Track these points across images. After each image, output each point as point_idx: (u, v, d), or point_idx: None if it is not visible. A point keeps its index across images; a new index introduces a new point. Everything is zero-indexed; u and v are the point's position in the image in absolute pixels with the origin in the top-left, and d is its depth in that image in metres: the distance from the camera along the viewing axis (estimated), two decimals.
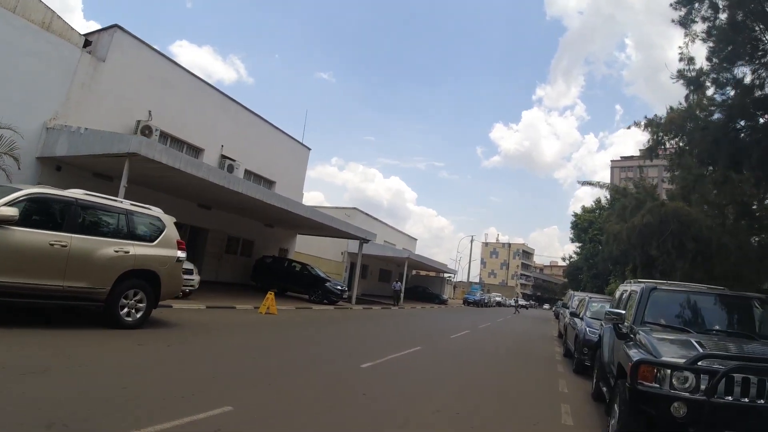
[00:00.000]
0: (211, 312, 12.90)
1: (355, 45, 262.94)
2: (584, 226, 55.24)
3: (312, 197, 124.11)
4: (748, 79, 12.37)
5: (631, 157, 67.73)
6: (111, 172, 14.96)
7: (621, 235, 20.74)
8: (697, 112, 14.80)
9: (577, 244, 58.13)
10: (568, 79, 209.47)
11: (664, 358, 4.43)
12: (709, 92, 14.79)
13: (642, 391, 4.32)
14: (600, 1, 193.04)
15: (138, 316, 8.52)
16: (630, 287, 7.27)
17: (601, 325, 8.57)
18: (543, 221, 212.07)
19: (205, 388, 5.49)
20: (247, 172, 23.52)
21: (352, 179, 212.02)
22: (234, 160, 21.55)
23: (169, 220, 9.27)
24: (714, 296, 6.33)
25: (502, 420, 6.10)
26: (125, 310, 8.32)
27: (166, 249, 8.95)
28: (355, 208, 38.31)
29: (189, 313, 11.81)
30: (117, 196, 9.56)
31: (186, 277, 13.24)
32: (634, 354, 4.84)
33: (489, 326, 23.73)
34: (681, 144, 16.87)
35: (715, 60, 12.81)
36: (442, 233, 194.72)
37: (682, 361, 4.26)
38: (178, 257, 9.12)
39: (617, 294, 8.33)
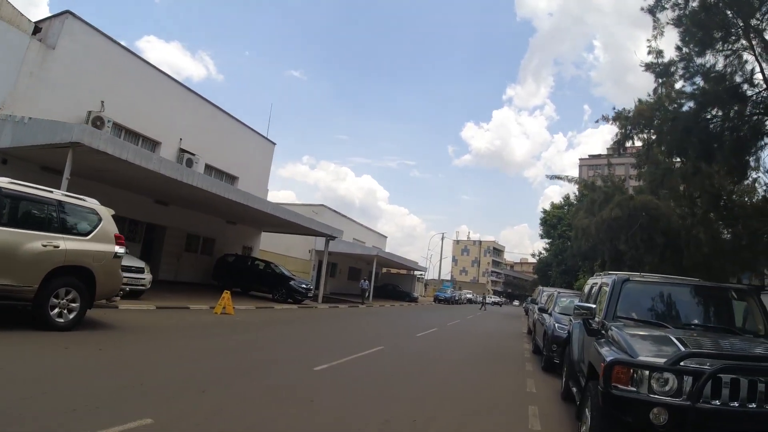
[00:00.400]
0: (161, 313, 12.07)
1: (326, 43, 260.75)
2: (553, 222, 55.46)
3: (283, 196, 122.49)
4: (720, 66, 12.20)
5: (599, 156, 68.31)
6: (59, 165, 13.90)
7: (589, 230, 20.60)
8: (666, 104, 14.62)
9: (547, 241, 58.32)
10: (538, 79, 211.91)
11: (641, 358, 3.90)
12: (678, 85, 14.70)
13: (616, 396, 3.77)
14: (570, 3, 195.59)
15: (71, 317, 7.80)
16: (600, 279, 6.82)
17: (570, 320, 8.13)
18: (513, 219, 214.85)
19: (127, 397, 4.84)
20: (208, 167, 22.58)
21: (324, 178, 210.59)
22: (193, 155, 20.72)
23: (106, 213, 8.48)
24: (690, 288, 5.90)
25: (464, 427, 5.55)
26: (56, 310, 7.61)
27: (102, 244, 8.18)
28: (322, 205, 37.52)
29: (135, 315, 11.01)
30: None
31: (135, 275, 12.53)
32: (607, 353, 4.33)
33: (458, 323, 23.37)
34: (649, 139, 16.72)
35: (685, 49, 12.62)
36: (414, 232, 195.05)
37: (662, 361, 3.74)
38: (116, 253, 8.34)
39: (586, 287, 7.91)
